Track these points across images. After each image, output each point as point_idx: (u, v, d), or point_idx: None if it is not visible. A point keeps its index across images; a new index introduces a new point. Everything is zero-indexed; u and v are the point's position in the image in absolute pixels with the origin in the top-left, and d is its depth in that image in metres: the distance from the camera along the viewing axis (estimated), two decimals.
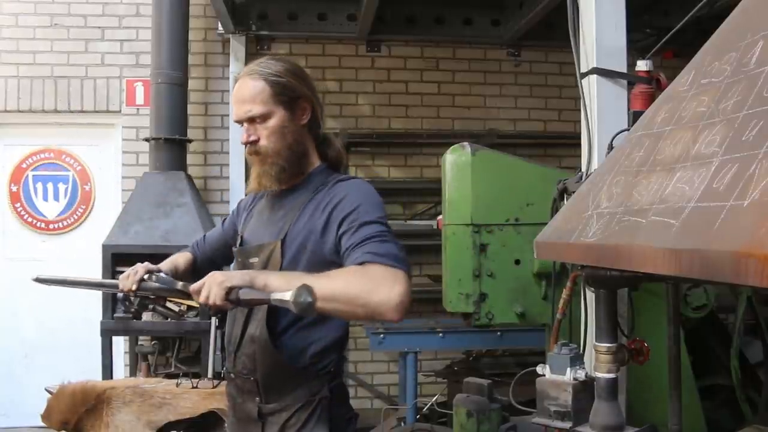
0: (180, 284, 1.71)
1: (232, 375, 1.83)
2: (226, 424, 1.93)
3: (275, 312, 1.70)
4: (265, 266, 1.72)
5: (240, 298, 1.53)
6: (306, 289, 1.42)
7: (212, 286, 1.52)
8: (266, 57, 1.83)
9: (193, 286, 1.59)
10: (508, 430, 2.74)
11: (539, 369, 1.87)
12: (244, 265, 1.80)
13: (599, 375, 1.71)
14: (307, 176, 1.81)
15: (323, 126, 1.89)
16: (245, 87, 1.75)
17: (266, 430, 1.74)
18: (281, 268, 1.69)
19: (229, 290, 1.51)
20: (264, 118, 1.73)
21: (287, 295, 1.43)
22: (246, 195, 2.06)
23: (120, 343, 4.83)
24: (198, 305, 2.86)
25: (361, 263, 1.54)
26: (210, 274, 1.57)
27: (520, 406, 2.46)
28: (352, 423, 1.82)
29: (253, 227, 1.89)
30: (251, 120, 1.74)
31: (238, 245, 1.91)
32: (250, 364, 1.75)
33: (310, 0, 5.13)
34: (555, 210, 2.41)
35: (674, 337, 2.21)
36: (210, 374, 3.92)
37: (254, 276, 1.55)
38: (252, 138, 1.75)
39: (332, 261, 1.65)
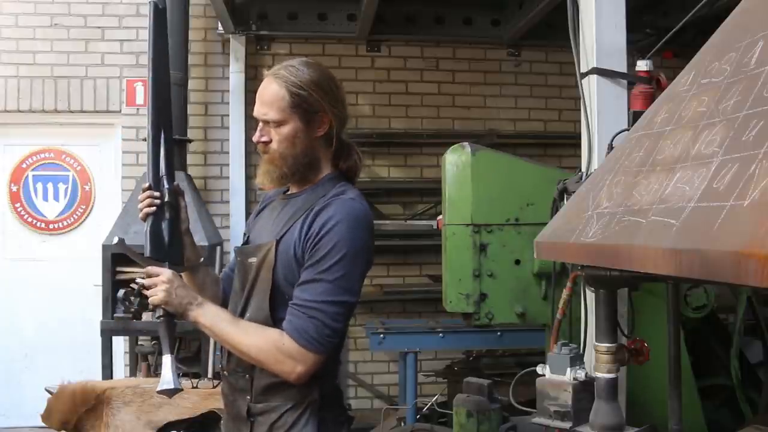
0: (145, 256, 1.77)
1: (225, 373, 1.84)
2: (222, 421, 1.93)
3: (270, 314, 1.73)
4: (260, 266, 1.74)
5: (158, 316, 1.71)
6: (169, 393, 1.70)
7: (155, 289, 1.70)
8: (299, 60, 1.79)
9: (150, 270, 1.73)
10: (508, 430, 2.74)
11: (539, 369, 1.87)
12: (243, 264, 1.81)
13: (599, 375, 1.71)
14: (317, 183, 1.81)
15: (344, 134, 1.86)
16: (267, 89, 1.75)
17: (255, 430, 1.75)
18: (274, 269, 1.72)
19: (164, 304, 1.69)
20: (278, 124, 1.74)
21: (161, 382, 1.69)
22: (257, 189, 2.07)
23: (120, 343, 4.83)
24: None
25: (284, 329, 1.67)
26: (169, 278, 1.69)
27: (520, 406, 2.46)
28: (344, 427, 1.82)
29: (259, 228, 1.90)
30: (266, 122, 1.76)
31: (241, 244, 1.92)
32: (246, 361, 1.76)
33: (310, 0, 5.13)
34: (555, 210, 2.41)
35: (674, 337, 2.21)
36: (210, 374, 3.92)
37: (190, 309, 1.70)
38: (263, 139, 1.77)
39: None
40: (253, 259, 1.77)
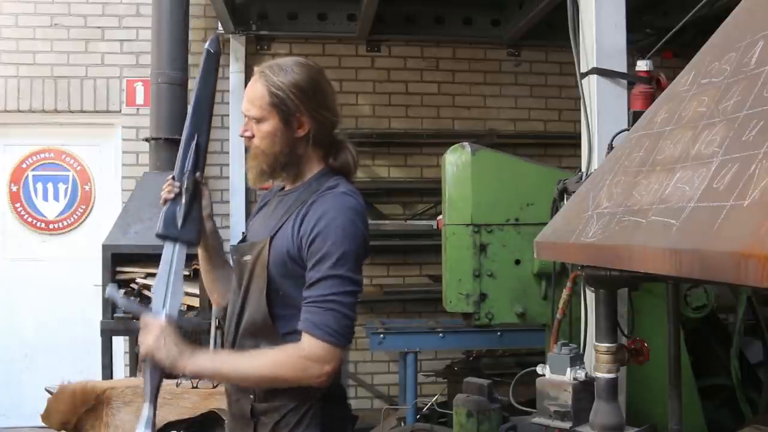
0: (145, 309, 1.83)
1: None
2: (226, 422, 1.92)
3: (271, 310, 1.73)
4: (255, 263, 1.75)
5: (146, 367, 1.72)
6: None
7: (146, 338, 1.70)
8: (291, 60, 1.81)
9: (144, 319, 1.74)
10: (508, 430, 2.74)
11: (539, 369, 1.87)
12: (239, 263, 1.82)
13: (599, 375, 1.71)
14: (309, 180, 1.82)
15: (340, 133, 1.87)
16: (251, 86, 1.80)
17: (258, 430, 1.75)
18: (268, 266, 1.72)
19: (151, 352, 1.69)
20: (258, 120, 1.78)
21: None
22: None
23: (120, 343, 4.83)
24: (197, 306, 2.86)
25: (301, 329, 1.65)
26: (161, 327, 1.71)
27: (520, 406, 2.46)
28: (348, 426, 1.81)
29: (255, 226, 1.92)
30: (249, 117, 1.80)
31: (238, 242, 1.93)
32: None
33: (310, 0, 5.13)
34: (555, 210, 2.41)
35: (674, 337, 2.21)
36: None
37: (180, 361, 1.68)
38: (247, 134, 1.82)
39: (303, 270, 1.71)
40: (248, 257, 1.78)
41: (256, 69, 1.81)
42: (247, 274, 1.77)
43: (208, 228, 1.93)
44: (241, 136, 1.84)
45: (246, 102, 1.80)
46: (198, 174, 1.90)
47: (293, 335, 1.70)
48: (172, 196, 1.86)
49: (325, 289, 1.64)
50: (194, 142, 1.93)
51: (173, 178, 1.88)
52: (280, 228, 1.75)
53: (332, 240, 1.66)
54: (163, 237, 1.84)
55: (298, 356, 1.63)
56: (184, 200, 1.85)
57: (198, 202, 1.89)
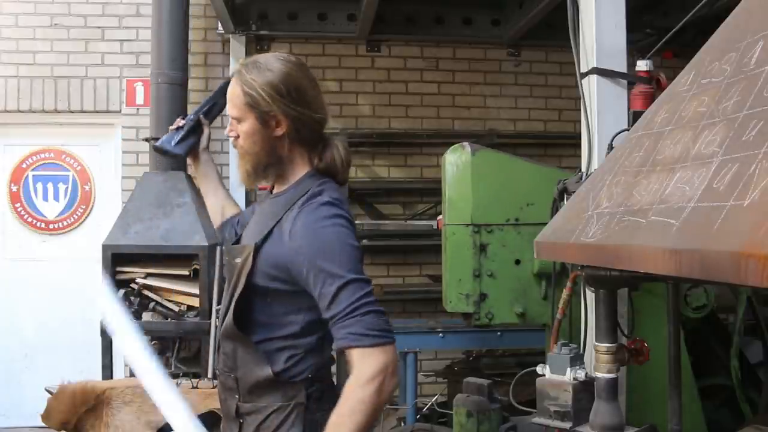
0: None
1: (217, 372, 1.86)
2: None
3: (249, 317, 1.72)
4: (242, 268, 1.73)
5: None
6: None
7: None
8: (270, 56, 1.79)
9: None
10: (508, 430, 2.74)
11: (539, 369, 1.87)
12: (230, 264, 1.81)
13: (599, 375, 1.71)
14: (296, 183, 1.80)
15: (321, 131, 1.84)
16: (231, 85, 1.79)
17: (243, 430, 1.74)
18: (251, 273, 1.70)
19: None
20: (238, 120, 1.77)
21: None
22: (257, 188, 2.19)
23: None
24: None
25: (344, 348, 1.59)
26: None
27: (520, 406, 2.47)
28: None
29: (248, 230, 1.89)
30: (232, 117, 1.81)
31: (231, 243, 1.92)
32: (230, 361, 1.76)
33: (310, 0, 5.13)
34: (555, 210, 2.41)
35: (674, 337, 2.21)
36: (210, 374, 3.92)
37: None
38: (232, 134, 1.81)
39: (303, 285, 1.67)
40: (238, 260, 1.77)
41: (237, 66, 1.80)
42: (234, 277, 1.75)
43: (202, 158, 2.21)
44: (227, 136, 1.84)
45: (228, 102, 1.80)
46: (203, 117, 2.20)
47: (270, 342, 1.71)
48: (174, 127, 2.17)
49: (348, 299, 1.60)
50: (212, 103, 2.23)
51: (182, 117, 2.20)
52: (268, 235, 1.72)
53: (326, 254, 1.63)
54: (157, 149, 2.19)
55: (366, 385, 1.55)
56: (184, 129, 2.17)
57: (197, 136, 2.20)
